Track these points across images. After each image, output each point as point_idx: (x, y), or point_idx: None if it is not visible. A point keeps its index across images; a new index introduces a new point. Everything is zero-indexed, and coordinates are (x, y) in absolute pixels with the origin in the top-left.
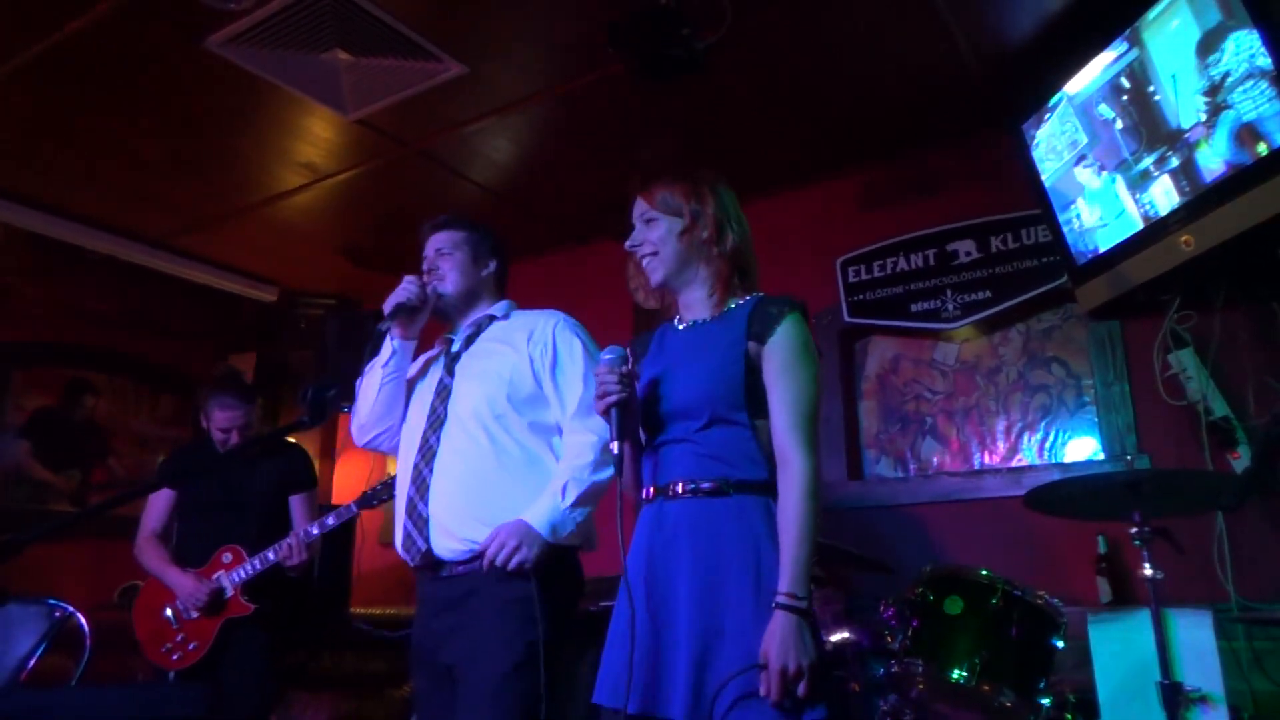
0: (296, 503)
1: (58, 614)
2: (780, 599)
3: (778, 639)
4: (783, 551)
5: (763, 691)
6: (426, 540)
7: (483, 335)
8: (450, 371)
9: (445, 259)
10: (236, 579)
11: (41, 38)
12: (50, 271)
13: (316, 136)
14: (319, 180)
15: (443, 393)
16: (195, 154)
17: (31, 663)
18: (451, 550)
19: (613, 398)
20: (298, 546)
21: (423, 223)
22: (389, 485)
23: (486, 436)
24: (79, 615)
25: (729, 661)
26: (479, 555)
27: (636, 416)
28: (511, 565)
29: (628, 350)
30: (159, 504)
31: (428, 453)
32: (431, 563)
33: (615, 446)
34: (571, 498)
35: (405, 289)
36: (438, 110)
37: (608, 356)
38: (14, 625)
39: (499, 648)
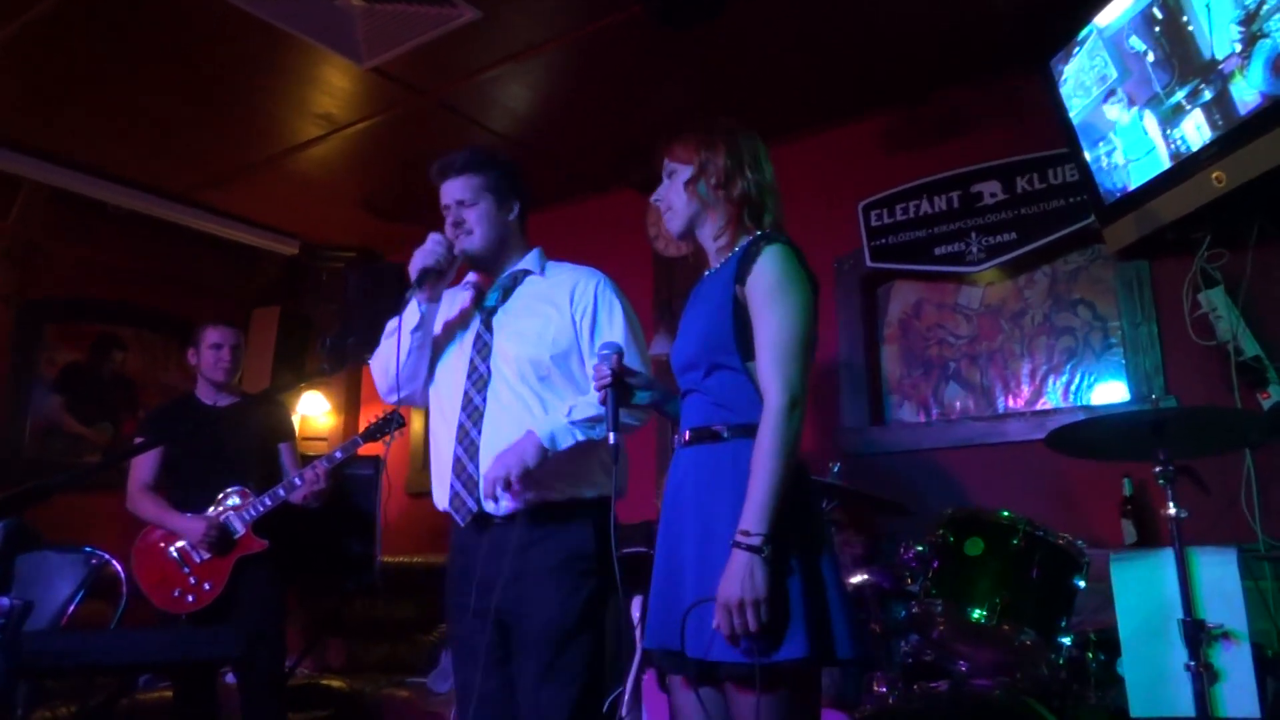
0: (285, 450)
1: (94, 561)
2: (736, 536)
3: (726, 576)
4: (748, 489)
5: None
6: (478, 502)
7: (520, 290)
8: (488, 326)
9: (470, 210)
10: (248, 517)
11: None
12: (75, 227)
13: (333, 86)
14: (337, 130)
15: (482, 349)
16: (213, 106)
17: (71, 608)
18: (503, 508)
19: (602, 380)
20: (323, 474)
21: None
22: (390, 419)
23: (535, 397)
24: (115, 562)
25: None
26: (532, 508)
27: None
28: (513, 481)
29: (621, 346)
30: (148, 457)
31: (473, 412)
32: (481, 519)
33: (613, 437)
34: (576, 416)
35: (432, 251)
36: (453, 57)
37: (604, 351)
38: (54, 572)
39: (562, 600)
